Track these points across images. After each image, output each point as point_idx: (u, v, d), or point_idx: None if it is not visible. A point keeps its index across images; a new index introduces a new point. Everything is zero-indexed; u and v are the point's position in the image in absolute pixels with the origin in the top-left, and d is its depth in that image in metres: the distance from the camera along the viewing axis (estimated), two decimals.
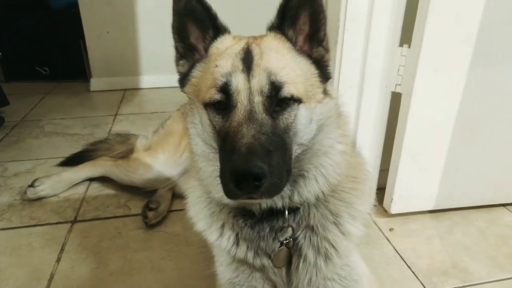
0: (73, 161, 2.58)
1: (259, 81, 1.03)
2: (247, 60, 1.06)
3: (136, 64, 4.33)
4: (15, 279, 1.67)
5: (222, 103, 1.05)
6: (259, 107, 1.02)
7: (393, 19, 1.71)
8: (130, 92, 4.25)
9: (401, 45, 1.79)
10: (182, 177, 2.20)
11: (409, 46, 1.76)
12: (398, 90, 1.85)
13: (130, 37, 4.20)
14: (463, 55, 1.69)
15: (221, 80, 1.04)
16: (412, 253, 1.85)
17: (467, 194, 2.08)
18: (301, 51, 1.15)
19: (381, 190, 2.09)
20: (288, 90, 1.04)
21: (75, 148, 2.76)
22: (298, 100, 1.06)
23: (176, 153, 2.18)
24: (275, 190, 0.98)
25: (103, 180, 2.40)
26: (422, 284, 1.68)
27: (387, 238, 1.95)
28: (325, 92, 1.16)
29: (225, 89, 1.04)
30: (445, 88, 1.76)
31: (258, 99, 1.03)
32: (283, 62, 1.08)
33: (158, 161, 2.18)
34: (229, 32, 1.17)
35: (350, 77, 1.79)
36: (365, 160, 1.41)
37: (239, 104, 1.03)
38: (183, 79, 1.20)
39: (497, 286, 1.69)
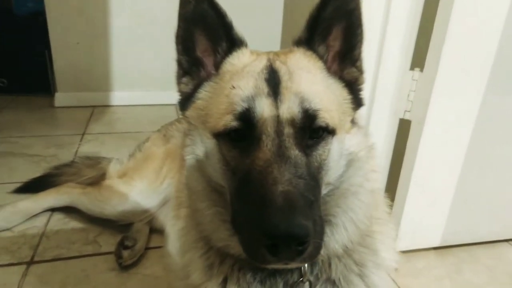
0: (32, 187, 2.24)
1: (290, 107, 0.84)
2: (273, 82, 0.87)
3: (107, 79, 4.01)
4: None
5: (240, 133, 0.86)
6: (290, 141, 0.83)
7: (405, 41, 1.60)
8: (99, 109, 3.91)
9: (412, 68, 1.66)
10: (161, 208, 1.94)
11: (420, 70, 1.63)
12: (407, 116, 1.71)
13: (102, 50, 3.89)
14: (479, 82, 1.60)
15: (241, 106, 0.85)
16: None
17: (474, 229, 1.96)
18: (330, 71, 0.96)
19: None
20: (324, 119, 0.85)
21: (35, 171, 2.41)
22: (332, 132, 0.88)
23: (156, 180, 1.92)
24: (317, 252, 0.78)
25: (68, 210, 2.07)
26: None
27: (393, 280, 1.77)
28: (353, 121, 0.99)
29: (245, 116, 0.84)
30: (459, 117, 1.65)
31: (288, 131, 0.84)
32: (316, 86, 0.90)
33: (135, 190, 1.90)
34: (246, 46, 0.97)
35: None
36: (383, 198, 1.23)
37: (265, 136, 0.83)
38: (186, 101, 0.99)
39: None
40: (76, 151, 2.90)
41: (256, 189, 0.77)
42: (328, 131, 0.87)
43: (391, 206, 1.81)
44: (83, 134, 3.24)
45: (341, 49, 0.97)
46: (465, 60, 1.54)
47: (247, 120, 0.84)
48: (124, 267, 1.72)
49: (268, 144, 0.82)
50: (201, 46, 0.97)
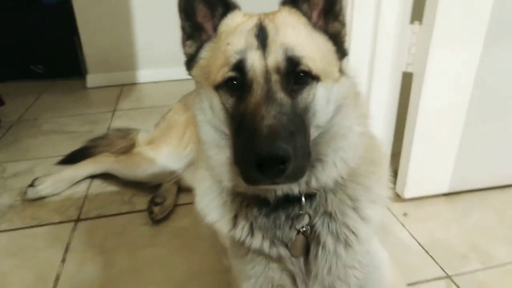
0: (73, 159, 2.50)
1: (276, 57, 0.96)
2: (262, 37, 0.99)
3: (132, 58, 4.23)
4: (21, 281, 1.61)
5: (236, 83, 0.99)
6: (277, 86, 0.95)
7: None
8: (127, 87, 4.15)
9: (411, 22, 1.71)
10: (187, 170, 2.13)
11: (420, 23, 1.68)
12: (409, 69, 1.77)
13: (126, 31, 4.09)
14: (478, 29, 1.62)
15: (234, 57, 0.98)
16: (429, 237, 1.79)
17: (482, 175, 2.01)
18: (316, 27, 1.07)
19: (393, 175, 2.03)
20: (306, 64, 0.97)
21: (74, 145, 2.67)
22: (316, 78, 0.99)
23: (180, 145, 2.10)
24: (300, 173, 0.92)
25: (105, 176, 2.32)
26: (442, 269, 1.63)
27: (402, 224, 1.89)
28: (341, 71, 1.09)
29: (239, 67, 0.97)
30: (459, 66, 1.68)
31: (275, 77, 0.96)
32: (300, 38, 1.01)
33: (162, 155, 2.10)
34: (239, 9, 1.10)
35: (359, 57, 1.72)
36: (380, 142, 1.34)
37: (255, 83, 0.96)
38: (190, 61, 1.13)
39: None
40: (109, 126, 3.16)
41: (248, 126, 0.91)
42: (312, 77, 0.99)
43: (398, 155, 1.93)
44: (114, 111, 3.50)
45: (324, 5, 1.07)
46: (463, 11, 1.56)
47: (240, 69, 0.97)
48: (156, 221, 1.95)
49: (258, 90, 0.95)
50: (201, 12, 1.09)
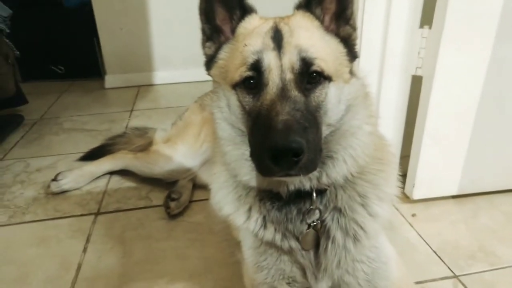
0: (93, 155, 2.61)
1: (290, 58, 1.03)
2: (277, 38, 1.06)
3: (149, 60, 4.35)
4: (44, 269, 1.71)
5: (252, 82, 1.05)
6: (291, 85, 1.02)
7: (413, 0, 1.69)
8: (144, 88, 4.28)
9: (421, 26, 1.76)
10: (202, 168, 2.21)
11: (430, 28, 1.73)
12: (419, 73, 1.82)
13: (143, 33, 4.22)
14: (486, 33, 1.66)
15: (252, 58, 1.04)
16: (437, 238, 1.83)
17: (491, 178, 2.04)
18: (328, 30, 1.14)
19: (402, 177, 2.06)
20: (319, 65, 1.04)
21: (94, 143, 2.80)
22: (328, 78, 1.06)
23: (196, 143, 2.19)
24: (312, 166, 0.99)
25: (124, 173, 2.43)
26: (449, 268, 1.67)
27: (410, 224, 1.93)
28: (351, 72, 1.16)
29: (256, 67, 1.04)
30: (468, 69, 1.73)
31: (290, 77, 1.03)
32: (313, 40, 1.08)
33: (178, 152, 2.19)
34: (256, 12, 1.18)
35: (370, 60, 1.78)
36: (388, 142, 1.40)
37: (271, 82, 1.03)
38: (210, 62, 1.20)
39: None
40: (127, 125, 3.27)
41: (264, 122, 0.98)
42: (324, 77, 1.06)
43: (408, 158, 1.97)
44: (131, 111, 3.62)
45: (336, 10, 1.14)
46: (472, 15, 1.61)
47: (257, 69, 1.04)
48: (172, 216, 2.03)
49: (273, 88, 1.02)
50: (220, 15, 1.17)
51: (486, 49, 1.69)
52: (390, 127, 1.97)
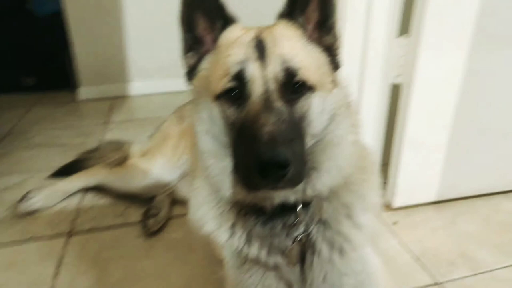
0: (65, 171, 2.50)
1: (274, 68, 1.01)
2: (260, 48, 1.04)
3: (124, 70, 4.25)
4: None
5: (236, 93, 1.02)
6: (275, 95, 1.00)
7: (391, 9, 1.71)
8: (119, 99, 4.17)
9: (400, 35, 1.78)
10: (181, 182, 2.15)
11: (407, 36, 1.75)
12: (398, 81, 1.84)
13: (118, 44, 4.13)
14: (462, 41, 1.70)
15: (235, 68, 1.02)
16: (418, 245, 1.84)
17: (469, 183, 2.08)
18: (311, 39, 1.13)
19: (382, 185, 2.08)
20: (303, 75, 1.02)
21: (66, 158, 2.67)
22: (311, 88, 1.05)
23: (174, 156, 2.13)
24: (299, 178, 0.97)
25: (99, 189, 2.33)
26: (431, 276, 1.67)
27: (392, 232, 1.93)
28: (334, 82, 1.14)
29: (239, 77, 1.02)
30: (446, 76, 1.76)
31: (274, 87, 1.01)
32: (297, 49, 1.07)
33: (156, 166, 2.12)
34: (238, 22, 1.15)
35: (350, 69, 1.77)
36: (370, 150, 1.39)
37: (254, 92, 1.00)
38: (191, 72, 1.17)
39: (505, 273, 1.68)
40: (101, 138, 3.15)
41: (248, 133, 0.95)
42: (308, 87, 1.04)
43: (387, 165, 1.98)
44: (106, 123, 3.51)
45: (319, 19, 1.12)
46: (447, 25, 1.64)
47: (240, 79, 1.01)
48: (150, 233, 1.95)
49: (257, 99, 0.99)
50: (201, 25, 1.13)
51: (462, 58, 1.73)
52: (370, 135, 1.97)
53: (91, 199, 2.30)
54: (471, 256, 1.76)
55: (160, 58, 4.17)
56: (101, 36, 4.05)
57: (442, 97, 1.81)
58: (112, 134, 3.25)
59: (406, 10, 1.77)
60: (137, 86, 4.30)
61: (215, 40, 1.14)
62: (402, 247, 1.83)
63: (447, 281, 1.64)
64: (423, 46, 1.67)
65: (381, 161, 2.11)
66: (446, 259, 1.76)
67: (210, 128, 1.11)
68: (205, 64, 1.14)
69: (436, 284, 1.63)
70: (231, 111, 1.04)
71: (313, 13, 1.12)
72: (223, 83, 1.03)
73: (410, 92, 1.76)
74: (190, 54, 1.16)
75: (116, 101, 4.13)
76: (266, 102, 0.98)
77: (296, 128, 1.00)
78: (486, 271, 1.69)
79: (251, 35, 1.08)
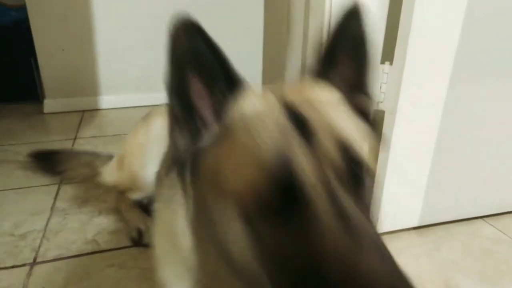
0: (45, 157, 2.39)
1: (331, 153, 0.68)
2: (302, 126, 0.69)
3: (94, 84, 4.07)
4: None
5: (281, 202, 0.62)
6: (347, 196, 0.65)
7: (374, 36, 1.70)
8: (89, 113, 3.97)
9: (382, 62, 1.78)
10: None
11: (390, 64, 1.75)
12: (380, 107, 1.83)
13: (88, 56, 3.95)
14: (444, 71, 1.72)
15: (277, 164, 0.63)
16: None
17: (448, 208, 2.10)
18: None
19: None
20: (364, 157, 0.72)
21: (29, 176, 2.48)
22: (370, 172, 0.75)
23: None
24: None
25: (66, 211, 2.16)
26: None
27: None
28: None
29: (286, 178, 0.63)
30: (428, 104, 1.77)
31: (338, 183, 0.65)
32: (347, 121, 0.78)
33: None
34: (245, 83, 0.79)
35: None
36: None
37: (320, 200, 0.61)
38: (182, 157, 0.77)
39: None
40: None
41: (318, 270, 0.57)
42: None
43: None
44: (74, 139, 3.31)
45: (352, 76, 0.88)
46: (431, 51, 1.65)
47: (288, 181, 0.63)
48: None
49: (327, 207, 0.61)
50: (197, 91, 0.76)
51: (443, 88, 1.74)
52: None
53: (56, 224, 2.12)
54: (455, 285, 1.75)
55: (133, 71, 4.04)
56: (69, 47, 3.86)
57: (425, 125, 1.82)
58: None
59: (388, 38, 1.78)
60: (108, 100, 4.13)
61: (217, 114, 0.76)
62: None
63: None
64: (407, 74, 1.67)
65: None
66: None
67: (223, 245, 0.70)
68: (210, 150, 0.74)
69: None
70: (273, 232, 0.62)
71: (343, 69, 0.85)
72: (258, 185, 0.63)
73: (394, 119, 1.75)
74: (179, 130, 0.76)
75: (86, 114, 3.93)
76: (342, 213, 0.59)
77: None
78: None
79: (276, 104, 0.73)
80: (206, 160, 0.74)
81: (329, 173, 0.63)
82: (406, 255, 1.93)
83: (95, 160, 2.41)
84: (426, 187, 1.97)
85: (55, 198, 2.36)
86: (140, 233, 1.94)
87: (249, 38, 3.90)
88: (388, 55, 1.76)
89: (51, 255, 1.88)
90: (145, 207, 2.12)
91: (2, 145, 3.13)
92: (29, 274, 1.75)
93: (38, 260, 1.85)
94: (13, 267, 1.80)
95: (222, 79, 0.76)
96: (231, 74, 0.76)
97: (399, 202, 1.95)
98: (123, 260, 1.85)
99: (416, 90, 1.71)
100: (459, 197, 2.08)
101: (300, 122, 0.68)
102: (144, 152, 2.01)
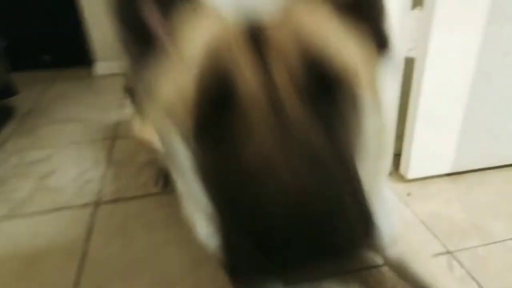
0: None
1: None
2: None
3: None
4: (51, 258, 1.73)
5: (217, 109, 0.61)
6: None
7: None
8: None
9: (413, 8, 1.76)
10: None
11: (421, 9, 1.73)
12: (411, 54, 1.83)
13: None
14: (478, 13, 1.66)
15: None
16: (432, 216, 1.88)
17: (484, 155, 2.09)
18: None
19: (396, 156, 2.12)
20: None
21: (88, 133, 2.79)
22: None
23: None
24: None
25: (120, 163, 2.43)
26: (444, 245, 1.72)
27: (405, 203, 1.98)
28: None
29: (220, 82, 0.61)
30: (460, 48, 1.73)
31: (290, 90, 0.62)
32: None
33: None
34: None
35: None
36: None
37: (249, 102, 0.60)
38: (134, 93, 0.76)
39: None
40: (120, 113, 3.25)
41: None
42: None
43: (401, 137, 2.01)
44: (124, 98, 3.57)
45: None
46: None
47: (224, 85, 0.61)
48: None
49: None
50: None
51: (478, 29, 1.70)
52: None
53: (114, 171, 2.40)
54: (484, 227, 1.80)
55: None
56: None
57: (458, 70, 1.80)
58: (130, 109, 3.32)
59: None
60: None
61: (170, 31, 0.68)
62: (415, 217, 1.88)
63: (459, 250, 1.69)
64: (437, 19, 1.64)
65: (396, 133, 2.13)
66: (459, 229, 1.79)
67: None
68: (157, 70, 0.70)
69: (447, 252, 1.68)
70: (209, 148, 0.61)
71: None
72: (192, 105, 0.61)
73: (424, 66, 1.75)
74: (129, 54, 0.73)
75: None
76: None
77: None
78: (498, 241, 1.73)
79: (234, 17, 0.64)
80: (154, 81, 0.70)
81: (282, 85, 0.57)
82: (437, 200, 1.99)
83: None
84: (460, 134, 1.97)
85: (111, 152, 2.64)
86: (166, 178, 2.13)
87: None
88: (419, 1, 1.74)
89: (110, 198, 2.16)
90: None
91: (62, 106, 3.47)
92: (93, 213, 2.04)
93: (101, 200, 2.13)
94: (80, 206, 2.10)
95: None
96: None
97: (430, 149, 1.98)
98: (169, 202, 2.07)
99: (448, 34, 1.68)
100: (494, 144, 2.06)
101: (259, 35, 0.60)
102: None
